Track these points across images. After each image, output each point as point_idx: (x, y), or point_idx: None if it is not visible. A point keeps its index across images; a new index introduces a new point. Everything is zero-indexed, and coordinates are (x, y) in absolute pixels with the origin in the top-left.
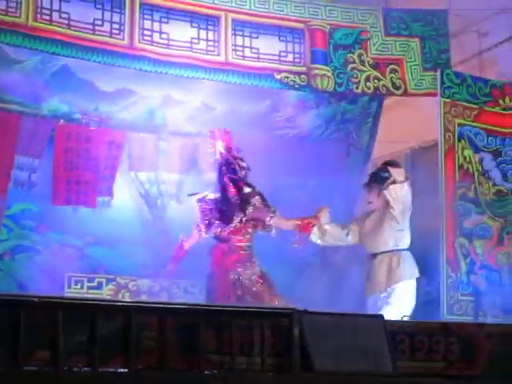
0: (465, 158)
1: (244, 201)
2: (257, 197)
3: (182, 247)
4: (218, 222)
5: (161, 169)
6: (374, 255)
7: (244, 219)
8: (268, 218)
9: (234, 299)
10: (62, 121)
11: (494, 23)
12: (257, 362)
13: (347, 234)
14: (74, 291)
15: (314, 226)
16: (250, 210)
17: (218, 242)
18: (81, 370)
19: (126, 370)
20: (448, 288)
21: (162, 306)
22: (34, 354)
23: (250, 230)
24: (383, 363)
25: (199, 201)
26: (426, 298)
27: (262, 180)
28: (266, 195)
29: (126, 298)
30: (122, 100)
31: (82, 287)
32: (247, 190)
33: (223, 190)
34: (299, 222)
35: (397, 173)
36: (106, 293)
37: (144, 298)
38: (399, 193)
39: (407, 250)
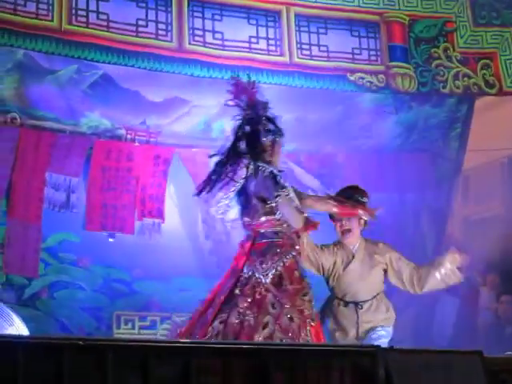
0: None
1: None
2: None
3: None
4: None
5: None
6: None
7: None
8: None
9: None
10: (102, 138)
11: None
12: None
13: None
14: (124, 332)
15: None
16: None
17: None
18: None
19: None
20: None
21: (225, 346)
22: None
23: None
24: None
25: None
26: None
27: None
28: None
29: (183, 337)
30: (172, 111)
31: (132, 327)
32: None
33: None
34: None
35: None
36: (161, 333)
37: None
38: None
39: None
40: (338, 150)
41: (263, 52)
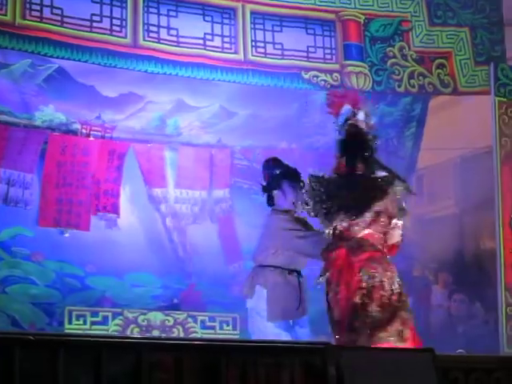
0: None
1: (377, 187)
2: (399, 186)
3: None
4: (341, 213)
5: (173, 184)
6: None
7: (376, 210)
8: (396, 218)
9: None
10: (56, 132)
11: None
12: None
13: None
14: (76, 327)
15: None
16: (387, 200)
17: (338, 240)
18: None
19: None
20: (508, 317)
21: (177, 342)
22: None
23: (385, 223)
24: None
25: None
26: (483, 328)
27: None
28: None
29: (135, 333)
30: (127, 106)
31: (84, 322)
32: (382, 173)
33: (349, 169)
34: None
35: None
36: (112, 328)
37: (156, 333)
38: None
39: None
40: (293, 147)
41: (218, 49)
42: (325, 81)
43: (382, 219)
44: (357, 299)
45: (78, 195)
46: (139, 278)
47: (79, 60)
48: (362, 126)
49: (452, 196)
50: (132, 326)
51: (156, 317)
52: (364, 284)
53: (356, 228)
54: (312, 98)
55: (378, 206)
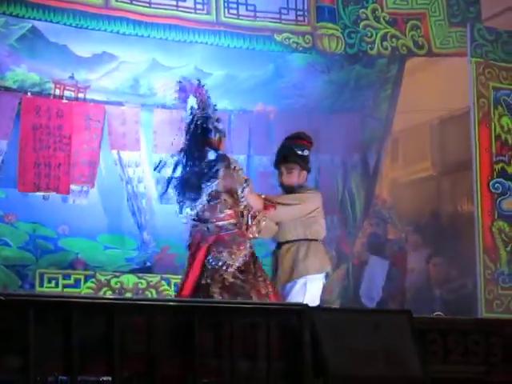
0: (502, 127)
1: (212, 168)
2: (224, 162)
3: None
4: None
5: (146, 147)
6: (280, 244)
7: (215, 191)
8: (240, 189)
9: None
10: (29, 93)
11: None
12: (262, 367)
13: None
14: (47, 290)
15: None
16: (220, 177)
17: (196, 222)
18: (57, 380)
19: (110, 379)
20: (486, 281)
21: (149, 302)
22: (1, 361)
23: (229, 200)
24: (411, 367)
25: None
26: (461, 292)
27: (264, 159)
28: (265, 176)
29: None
30: (101, 66)
31: (56, 285)
32: (212, 155)
33: (190, 156)
34: (267, 202)
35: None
36: (85, 291)
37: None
38: None
39: (317, 240)
40: (269, 109)
41: (190, 10)
42: (297, 43)
43: (224, 198)
44: (202, 281)
45: (56, 158)
46: (112, 240)
47: (51, 21)
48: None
49: (428, 159)
50: (105, 288)
51: (129, 279)
52: (209, 266)
53: (207, 213)
54: (288, 58)
55: (215, 186)
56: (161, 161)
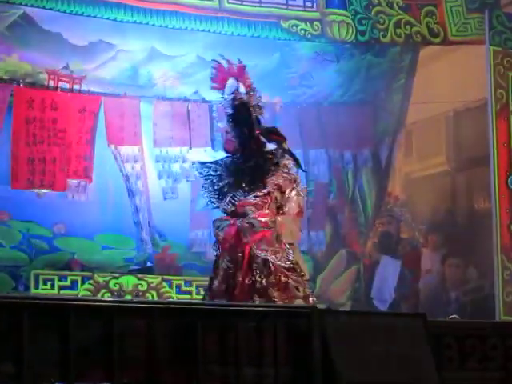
0: None
1: (269, 161)
2: (286, 158)
3: None
4: (231, 192)
5: (146, 141)
6: None
7: (269, 186)
8: (289, 190)
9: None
10: (21, 84)
11: None
12: (269, 374)
13: None
14: (43, 292)
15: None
16: (279, 173)
17: (232, 217)
18: None
19: None
20: (504, 282)
21: (150, 305)
22: None
23: (278, 198)
24: (425, 374)
25: (200, 166)
26: (478, 294)
27: None
28: None
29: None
30: (97, 55)
31: (52, 287)
32: (271, 146)
33: (240, 146)
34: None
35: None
36: (82, 293)
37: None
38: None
39: None
40: (275, 100)
41: None
42: (305, 30)
43: (274, 195)
44: (256, 285)
45: (50, 153)
46: (110, 239)
47: (44, 7)
48: (246, 99)
49: (443, 153)
50: (103, 290)
51: (128, 281)
52: (254, 265)
53: (248, 207)
54: (295, 47)
55: (271, 181)
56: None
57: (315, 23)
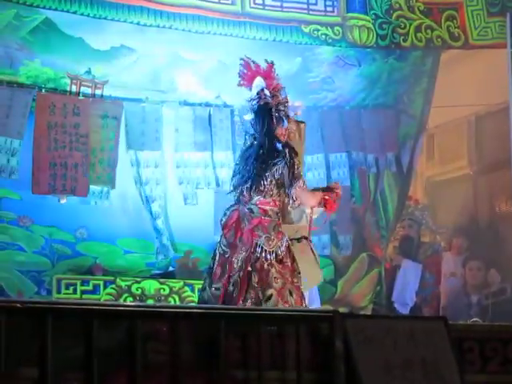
0: None
1: (274, 158)
2: (290, 155)
3: None
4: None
5: (167, 147)
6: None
7: (272, 180)
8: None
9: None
10: (43, 90)
11: None
12: (291, 378)
13: None
14: (65, 297)
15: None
16: (278, 167)
17: (236, 202)
18: None
19: None
20: None
21: (172, 310)
22: (17, 373)
23: (278, 192)
24: (447, 378)
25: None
26: (500, 297)
27: None
28: None
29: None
30: (119, 60)
31: (74, 292)
32: (279, 146)
33: (261, 142)
34: (327, 197)
35: None
36: (104, 298)
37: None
38: None
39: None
40: (296, 104)
41: (214, 0)
42: (326, 35)
43: (271, 187)
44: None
45: (72, 158)
46: (132, 244)
47: (67, 11)
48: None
49: (465, 157)
50: (125, 295)
51: (151, 285)
52: (252, 250)
53: (256, 196)
54: (316, 51)
55: (275, 174)
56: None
57: (336, 28)
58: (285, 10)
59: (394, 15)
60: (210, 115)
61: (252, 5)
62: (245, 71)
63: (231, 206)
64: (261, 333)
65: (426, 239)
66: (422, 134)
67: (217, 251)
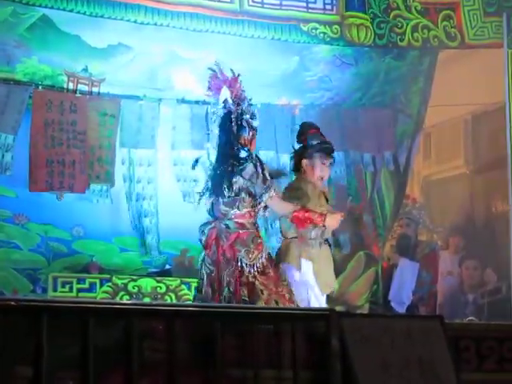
0: None
1: (239, 166)
2: (253, 162)
3: None
4: (212, 196)
5: (163, 145)
6: None
7: (238, 188)
8: (260, 191)
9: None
10: (40, 87)
11: None
12: (287, 376)
13: None
14: (61, 295)
15: (311, 224)
16: (245, 178)
17: (212, 219)
18: None
19: None
20: None
21: (168, 308)
22: (13, 371)
23: (249, 203)
24: (444, 375)
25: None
26: (496, 296)
27: (285, 156)
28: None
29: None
30: (116, 58)
31: (70, 290)
32: (243, 154)
33: (223, 153)
34: (297, 214)
35: None
36: (100, 296)
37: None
38: None
39: None
40: (294, 103)
41: None
42: (324, 33)
43: (242, 196)
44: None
45: (70, 155)
46: (129, 242)
47: (64, 9)
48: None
49: (462, 156)
50: (121, 293)
51: (147, 283)
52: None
53: (226, 209)
54: (314, 50)
55: (238, 184)
56: (197, 159)
57: (334, 26)
58: (284, 8)
59: (392, 14)
60: (207, 113)
61: (250, 3)
62: (212, 82)
63: (207, 222)
64: (257, 331)
65: (423, 238)
66: (418, 133)
67: (203, 271)
